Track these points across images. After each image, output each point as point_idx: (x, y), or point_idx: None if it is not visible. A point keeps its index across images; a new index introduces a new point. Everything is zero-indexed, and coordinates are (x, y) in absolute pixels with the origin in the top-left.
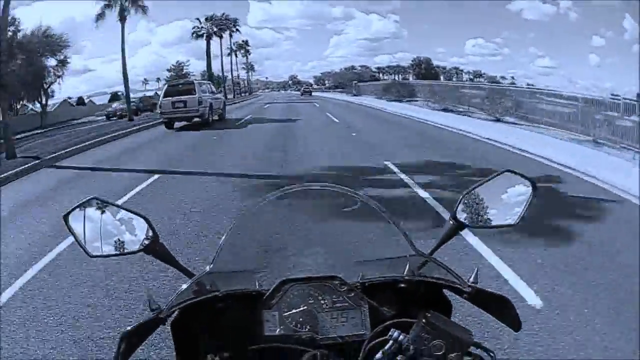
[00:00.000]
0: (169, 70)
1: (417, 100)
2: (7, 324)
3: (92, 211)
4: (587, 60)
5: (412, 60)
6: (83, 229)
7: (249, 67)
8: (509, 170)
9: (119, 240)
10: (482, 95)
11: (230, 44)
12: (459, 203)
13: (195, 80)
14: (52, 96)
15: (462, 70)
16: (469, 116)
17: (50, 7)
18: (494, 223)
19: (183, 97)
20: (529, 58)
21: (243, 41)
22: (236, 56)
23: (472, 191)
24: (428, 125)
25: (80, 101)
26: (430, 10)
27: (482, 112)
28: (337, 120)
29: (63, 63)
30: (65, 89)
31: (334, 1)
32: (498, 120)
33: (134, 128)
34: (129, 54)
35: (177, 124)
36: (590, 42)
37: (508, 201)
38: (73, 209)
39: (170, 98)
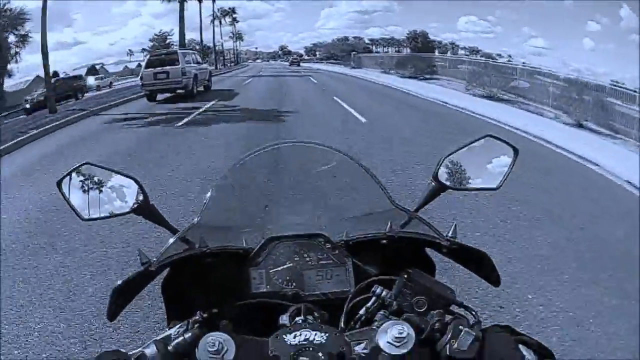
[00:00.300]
0: (151, 41)
1: (438, 79)
2: None
3: (84, 175)
4: (581, 44)
5: (408, 34)
6: (76, 193)
7: (237, 37)
8: (490, 135)
9: (110, 202)
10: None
11: (214, 10)
12: (440, 165)
13: (180, 50)
14: (11, 75)
15: (457, 46)
16: (541, 115)
17: None
18: (475, 185)
19: (166, 68)
20: (522, 38)
21: (230, 8)
22: (220, 23)
23: (453, 154)
24: (499, 128)
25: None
26: None
27: (553, 111)
28: (363, 120)
29: (24, 38)
30: (56, 62)
31: None
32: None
33: (51, 125)
34: (119, 25)
35: (160, 96)
36: (585, 27)
37: (489, 165)
38: (66, 175)
39: (152, 69)
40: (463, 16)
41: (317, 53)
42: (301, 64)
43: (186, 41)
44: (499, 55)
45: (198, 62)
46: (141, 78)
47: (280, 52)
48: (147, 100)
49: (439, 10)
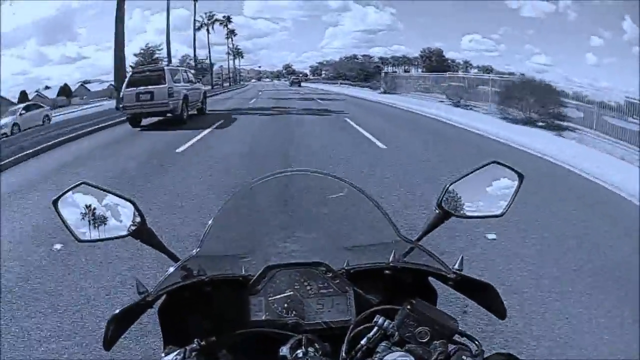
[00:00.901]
0: (135, 55)
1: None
2: None
3: (81, 196)
4: (584, 59)
5: (422, 51)
6: (72, 213)
7: (235, 53)
8: (495, 162)
9: (107, 224)
10: None
11: (194, 16)
12: (444, 192)
13: (167, 67)
14: None
15: (471, 64)
16: None
17: None
18: (479, 213)
19: (150, 88)
20: (525, 55)
21: (224, 17)
22: (208, 32)
23: (458, 181)
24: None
25: (66, 90)
26: (428, 3)
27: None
28: None
29: None
30: (59, 76)
31: None
32: None
33: None
34: (126, 41)
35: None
36: (588, 42)
37: (494, 192)
38: (62, 194)
39: (134, 89)
40: (467, 34)
41: (323, 72)
42: (306, 84)
43: (180, 57)
44: (512, 74)
45: (190, 81)
46: (121, 99)
47: (284, 71)
48: (130, 125)
49: (443, 28)
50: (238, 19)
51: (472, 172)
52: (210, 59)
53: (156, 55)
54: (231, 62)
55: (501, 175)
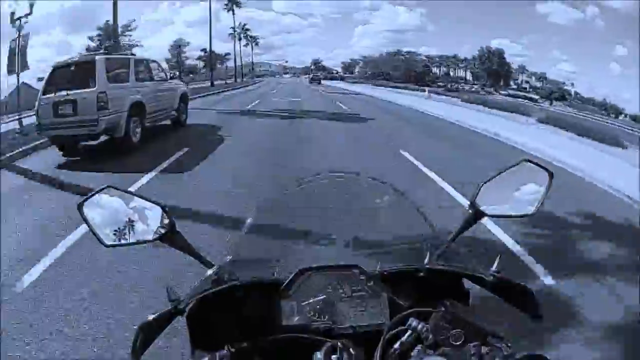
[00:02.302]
0: (91, 39)
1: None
2: None
3: (106, 199)
4: (608, 69)
5: (479, 50)
6: (98, 217)
7: (243, 35)
8: (526, 160)
9: (134, 228)
10: None
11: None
12: (477, 192)
13: (104, 55)
14: None
15: (527, 69)
16: None
17: None
18: (511, 212)
19: (72, 94)
20: (552, 61)
21: None
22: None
23: (490, 180)
24: None
25: None
26: (458, 5)
27: None
28: None
29: None
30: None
31: None
32: None
33: None
34: (151, 32)
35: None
36: (613, 51)
37: (525, 190)
38: (87, 198)
39: (51, 95)
40: (495, 38)
41: (357, 69)
42: (331, 84)
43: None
44: (572, 84)
45: (154, 79)
46: (36, 112)
47: (313, 66)
48: (60, 153)
49: (472, 31)
50: (267, 14)
51: (503, 172)
52: (210, 48)
53: (132, 41)
54: (242, 48)
55: (532, 173)
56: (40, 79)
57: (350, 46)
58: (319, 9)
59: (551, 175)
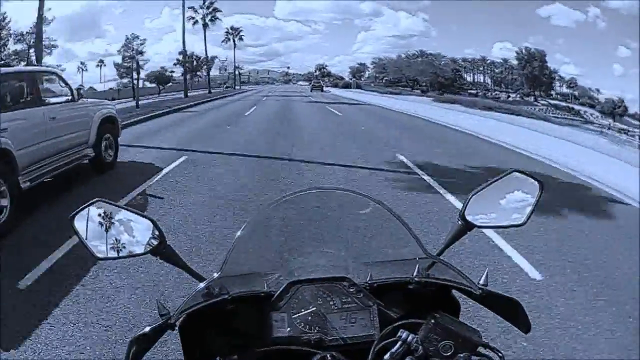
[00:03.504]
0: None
1: None
2: None
3: (97, 213)
4: (611, 70)
5: (517, 52)
6: (89, 230)
7: (230, 39)
8: (516, 170)
9: (125, 242)
10: None
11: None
12: (467, 203)
13: None
14: None
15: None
16: None
17: None
18: (501, 223)
19: None
20: (555, 64)
21: None
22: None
23: (480, 192)
24: None
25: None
26: (460, 10)
27: None
28: None
29: None
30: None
31: None
32: None
33: None
34: (153, 40)
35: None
36: (616, 52)
37: (515, 201)
38: (78, 211)
39: None
40: (498, 42)
41: (367, 74)
42: (338, 93)
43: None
44: (597, 90)
45: (42, 102)
46: None
47: (317, 72)
48: None
49: (475, 35)
50: (269, 20)
51: (493, 182)
52: (184, 48)
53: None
54: (234, 53)
55: (522, 183)
56: None
57: (352, 53)
58: (321, 15)
59: (541, 185)
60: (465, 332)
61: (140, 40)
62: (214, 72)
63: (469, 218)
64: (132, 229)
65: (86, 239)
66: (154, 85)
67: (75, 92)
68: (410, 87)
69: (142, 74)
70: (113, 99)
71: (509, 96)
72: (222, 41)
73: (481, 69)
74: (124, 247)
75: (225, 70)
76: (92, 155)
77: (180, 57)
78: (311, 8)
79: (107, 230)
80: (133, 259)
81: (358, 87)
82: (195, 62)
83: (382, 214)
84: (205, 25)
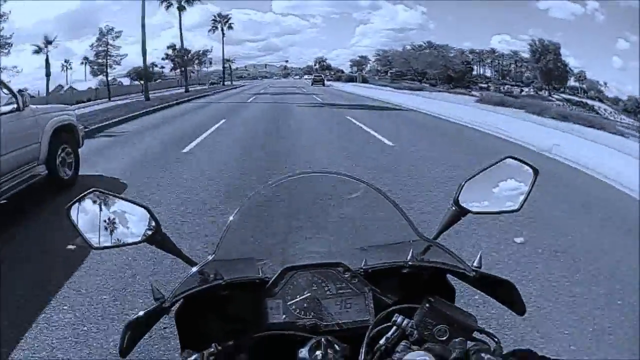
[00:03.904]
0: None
1: None
2: None
3: (93, 203)
4: (610, 63)
5: (530, 45)
6: (85, 221)
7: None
8: (510, 157)
9: (121, 231)
10: None
11: None
12: (461, 189)
13: None
14: None
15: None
16: None
17: None
18: (496, 209)
19: None
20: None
21: None
22: None
23: (474, 177)
24: None
25: None
26: (458, 2)
27: None
28: None
29: None
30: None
31: None
32: None
33: None
34: (151, 36)
35: None
36: (615, 45)
37: (509, 187)
38: (74, 202)
39: None
40: (496, 35)
41: (368, 67)
42: (346, 89)
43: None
44: (605, 83)
45: None
46: None
47: (317, 66)
48: None
49: (473, 28)
50: (267, 15)
51: (487, 168)
52: (143, 48)
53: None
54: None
55: (516, 170)
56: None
57: (350, 46)
58: (318, 9)
59: (536, 171)
60: (461, 317)
61: (116, 32)
62: (215, 67)
63: (462, 204)
64: (128, 217)
65: (82, 229)
66: (136, 82)
67: (20, 99)
68: (418, 81)
69: (122, 70)
70: (89, 100)
71: (521, 90)
72: (209, 30)
73: (489, 61)
74: (120, 237)
75: (210, 64)
76: (45, 173)
77: (170, 52)
78: (309, 2)
79: (103, 220)
80: (130, 247)
81: (364, 80)
82: (185, 57)
83: (376, 198)
84: (180, 9)
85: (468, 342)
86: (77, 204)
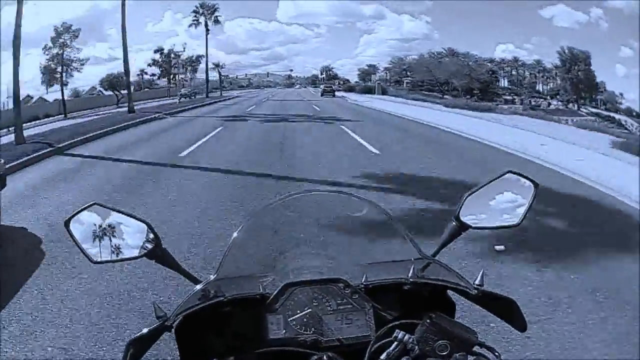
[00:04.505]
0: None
1: None
2: None
3: (93, 217)
4: (614, 70)
5: (559, 53)
6: (85, 235)
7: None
8: (510, 172)
9: (121, 245)
10: None
11: None
12: (461, 204)
13: None
14: None
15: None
16: None
17: None
18: (496, 224)
19: None
20: None
21: None
22: None
23: (474, 193)
24: None
25: None
26: (462, 12)
27: None
28: None
29: None
30: (89, 77)
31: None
32: None
33: None
34: (155, 44)
35: None
36: (618, 53)
37: (510, 201)
38: (74, 215)
39: None
40: (500, 44)
41: (377, 76)
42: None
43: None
44: (621, 94)
45: None
46: None
47: (323, 75)
48: None
49: (478, 37)
50: (272, 24)
51: (488, 183)
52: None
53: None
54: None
55: (516, 184)
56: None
57: (355, 56)
58: (323, 18)
59: (536, 185)
60: (461, 332)
61: (73, 31)
62: (211, 73)
63: (463, 219)
64: (127, 232)
65: (82, 243)
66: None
67: None
68: (441, 92)
69: (96, 81)
70: (47, 117)
71: (549, 104)
72: (190, 25)
73: (509, 69)
74: (120, 251)
75: (191, 70)
76: None
77: (158, 57)
78: (314, 11)
79: (102, 234)
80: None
81: (384, 92)
82: (172, 62)
83: (377, 216)
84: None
85: (469, 356)
86: (76, 217)
